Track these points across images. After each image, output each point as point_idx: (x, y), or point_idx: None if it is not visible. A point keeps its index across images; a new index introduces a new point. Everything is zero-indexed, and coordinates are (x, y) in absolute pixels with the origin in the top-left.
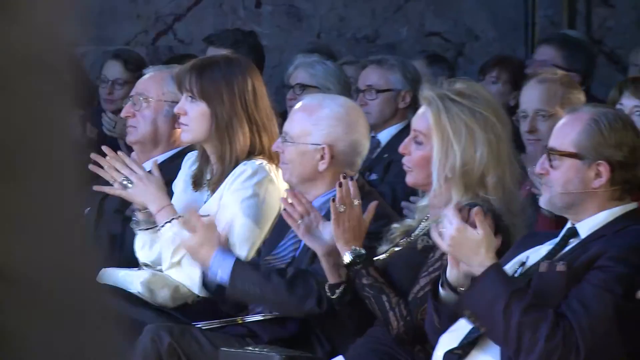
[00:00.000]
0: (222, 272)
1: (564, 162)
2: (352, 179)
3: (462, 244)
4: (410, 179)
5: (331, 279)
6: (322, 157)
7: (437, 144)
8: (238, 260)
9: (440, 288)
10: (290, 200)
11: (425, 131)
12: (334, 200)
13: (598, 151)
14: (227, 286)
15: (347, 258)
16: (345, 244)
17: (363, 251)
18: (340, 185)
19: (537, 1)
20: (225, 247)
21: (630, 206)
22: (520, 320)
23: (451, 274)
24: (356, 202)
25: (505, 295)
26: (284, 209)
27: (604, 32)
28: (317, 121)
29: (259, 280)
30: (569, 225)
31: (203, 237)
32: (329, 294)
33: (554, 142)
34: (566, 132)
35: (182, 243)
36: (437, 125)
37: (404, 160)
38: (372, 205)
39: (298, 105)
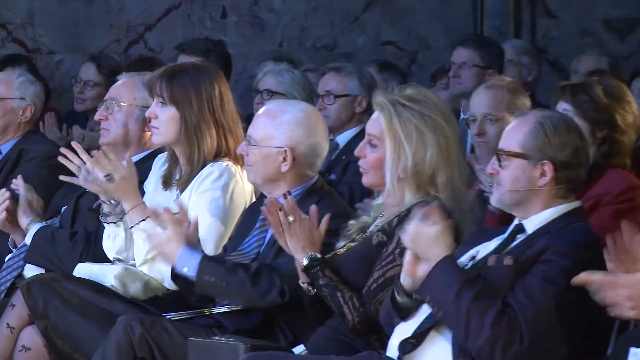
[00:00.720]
0: (188, 267)
1: (512, 162)
2: (289, 193)
3: (419, 238)
4: (366, 180)
5: (303, 278)
6: (285, 159)
7: (389, 146)
8: (205, 256)
9: (396, 295)
10: (271, 210)
11: (378, 135)
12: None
13: (542, 151)
14: (195, 280)
15: (304, 262)
16: (302, 250)
17: (319, 255)
18: (285, 197)
19: (485, 12)
20: (195, 242)
21: (575, 204)
22: (470, 306)
23: (405, 280)
24: (291, 218)
25: (456, 283)
26: (263, 218)
27: (547, 42)
28: (280, 125)
29: (225, 274)
30: (516, 221)
31: (172, 233)
32: (309, 288)
33: (503, 143)
34: (514, 134)
35: (150, 238)
36: (389, 128)
37: (360, 162)
38: (326, 217)
39: (261, 110)
